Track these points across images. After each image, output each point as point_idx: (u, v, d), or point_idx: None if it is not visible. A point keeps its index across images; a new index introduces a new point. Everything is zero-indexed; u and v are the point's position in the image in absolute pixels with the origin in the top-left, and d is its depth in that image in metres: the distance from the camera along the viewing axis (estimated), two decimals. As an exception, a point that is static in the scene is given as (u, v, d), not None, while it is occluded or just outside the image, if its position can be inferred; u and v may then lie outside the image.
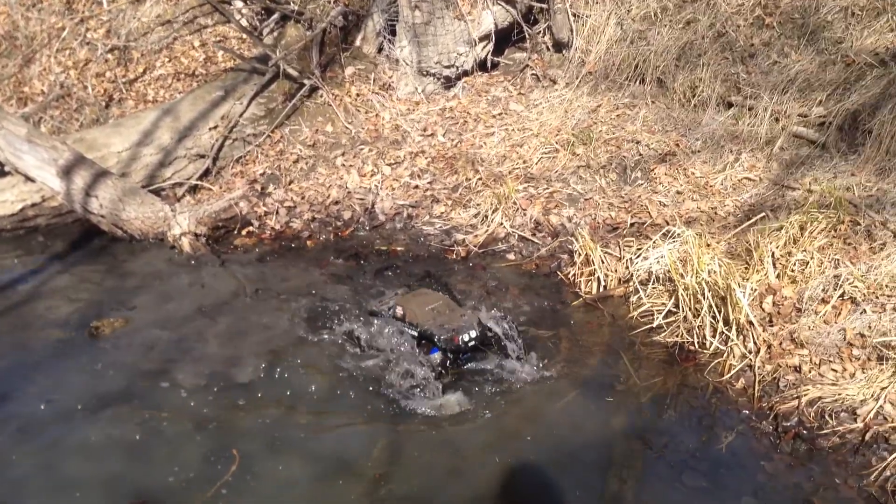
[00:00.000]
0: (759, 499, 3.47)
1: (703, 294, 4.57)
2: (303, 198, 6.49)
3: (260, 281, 5.43)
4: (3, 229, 5.98)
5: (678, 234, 4.99)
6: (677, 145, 6.33)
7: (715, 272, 4.55)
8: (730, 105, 6.45)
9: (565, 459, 3.69)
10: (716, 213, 5.62)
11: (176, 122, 6.71)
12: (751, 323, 4.42)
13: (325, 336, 4.66)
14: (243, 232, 6.13)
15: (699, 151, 6.24)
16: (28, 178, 5.86)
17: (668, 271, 4.86)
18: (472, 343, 4.12)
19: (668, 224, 5.43)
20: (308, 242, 6.06)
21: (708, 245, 4.95)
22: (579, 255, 5.29)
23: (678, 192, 5.92)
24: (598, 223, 5.81)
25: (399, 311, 4.31)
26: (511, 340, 4.27)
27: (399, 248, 5.93)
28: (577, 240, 5.33)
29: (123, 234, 5.88)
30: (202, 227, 5.79)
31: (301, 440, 3.83)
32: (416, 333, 4.23)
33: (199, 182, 6.63)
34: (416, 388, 4.06)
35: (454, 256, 5.78)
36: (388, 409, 3.98)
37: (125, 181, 6.01)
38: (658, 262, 5.02)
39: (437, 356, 4.19)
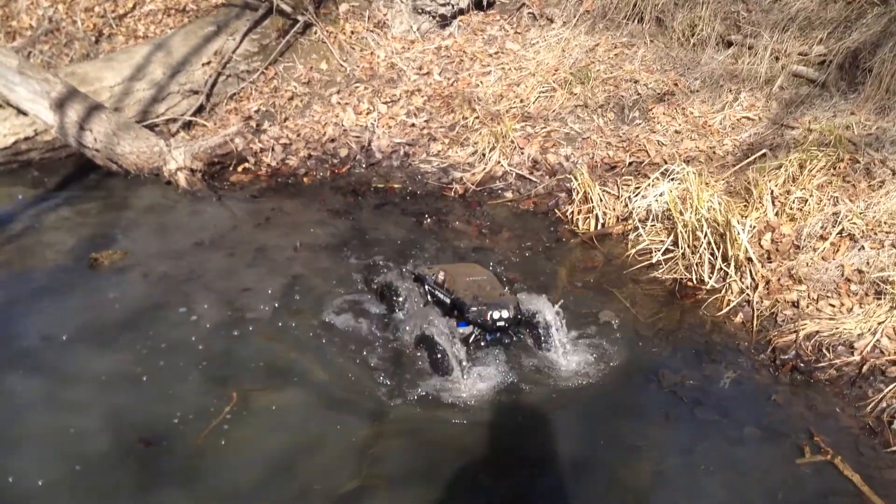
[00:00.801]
0: (761, 428, 3.54)
1: (702, 231, 4.59)
2: (298, 135, 6.43)
3: (258, 216, 5.40)
4: (-4, 164, 5.90)
5: (677, 172, 4.98)
6: (676, 85, 6.29)
7: (714, 209, 4.57)
8: (729, 44, 6.40)
9: (577, 402, 3.69)
10: (714, 153, 5.62)
11: (168, 58, 6.60)
12: (749, 259, 4.46)
13: (327, 274, 4.65)
14: (239, 168, 6.07)
15: (698, 91, 6.22)
16: (20, 111, 5.76)
17: (668, 209, 4.86)
18: (503, 323, 3.80)
19: (666, 163, 5.43)
20: (304, 179, 6.02)
21: (707, 184, 4.95)
22: (577, 192, 5.29)
23: (676, 132, 5.91)
24: (596, 162, 5.80)
25: (440, 276, 4.07)
26: (553, 333, 3.94)
27: (396, 186, 5.91)
28: (575, 178, 5.32)
29: (118, 169, 5.82)
30: (198, 163, 5.73)
31: (300, 377, 3.81)
32: (449, 301, 3.97)
33: (193, 118, 6.54)
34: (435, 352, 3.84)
35: (452, 194, 5.77)
36: (396, 360, 3.89)
37: (119, 115, 5.93)
38: (657, 199, 5.03)
39: (465, 329, 3.94)
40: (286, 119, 6.58)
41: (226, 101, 6.75)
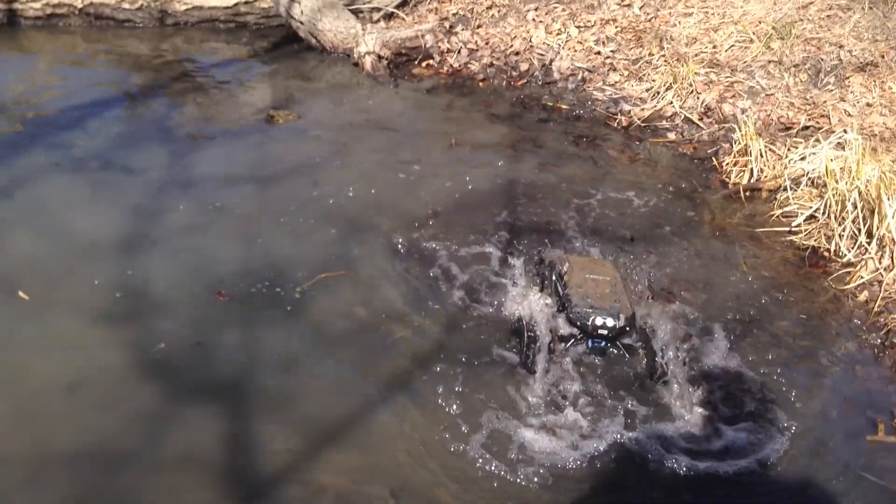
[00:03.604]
0: (844, 399, 3.49)
1: (854, 202, 4.40)
2: (486, 43, 6.67)
3: (427, 107, 5.78)
4: (218, 20, 6.64)
5: (847, 140, 4.76)
6: (883, 57, 5.89)
7: (870, 181, 4.36)
8: (955, 22, 5.89)
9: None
10: (901, 132, 5.28)
11: (384, -51, 7.01)
12: (894, 240, 4.25)
13: (471, 172, 4.91)
14: (423, 64, 6.43)
15: (905, 67, 5.80)
16: (244, -23, 6.42)
17: (823, 174, 4.69)
18: (605, 332, 3.37)
19: (845, 133, 5.17)
20: (480, 84, 6.29)
21: (878, 159, 4.70)
22: (738, 143, 5.19)
23: (868, 104, 5.57)
24: (772, 120, 5.61)
25: (564, 267, 3.67)
26: (668, 365, 3.46)
27: (564, 107, 6.03)
28: (739, 128, 5.21)
29: (316, 44, 6.35)
30: (386, 51, 6.14)
31: (410, 255, 4.09)
32: (560, 295, 3.59)
33: (395, 10, 6.96)
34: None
35: (615, 125, 5.82)
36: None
37: (327, -5, 6.45)
38: (812, 162, 4.84)
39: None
40: (479, 26, 6.83)
41: (429, 0, 7.09)
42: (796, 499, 2.99)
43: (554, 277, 3.72)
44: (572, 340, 3.48)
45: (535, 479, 2.89)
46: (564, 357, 3.43)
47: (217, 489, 2.77)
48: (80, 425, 2.97)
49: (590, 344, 3.45)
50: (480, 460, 2.95)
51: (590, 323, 3.36)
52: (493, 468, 2.92)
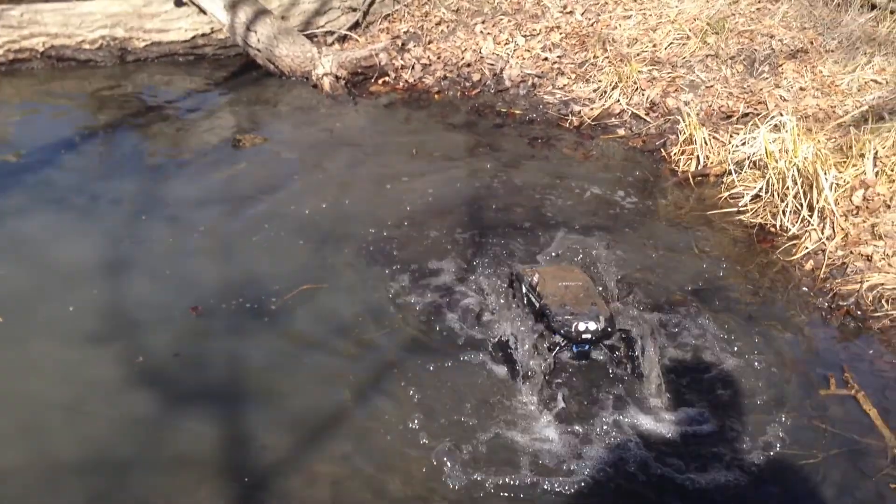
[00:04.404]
0: (796, 358, 3.73)
1: (794, 179, 4.70)
2: (438, 57, 6.94)
3: (386, 122, 6.01)
4: (177, 54, 6.83)
5: (782, 122, 5.08)
6: (812, 43, 6.26)
7: (807, 158, 4.66)
8: (873, 7, 6.28)
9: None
10: (833, 112, 5.61)
11: (334, -25, 7.27)
12: (833, 211, 4.55)
13: (436, 180, 5.13)
14: (379, 81, 6.68)
15: (833, 51, 6.17)
16: (201, 10, 6.62)
17: (764, 156, 4.99)
18: (589, 336, 3.43)
19: (782, 116, 5.49)
20: (436, 97, 6.55)
21: (812, 138, 5.02)
22: (683, 134, 5.49)
23: (801, 89, 5.92)
24: (714, 110, 5.93)
25: (535, 279, 3.73)
26: (645, 361, 3.51)
27: (517, 112, 6.31)
28: (683, 119, 5.52)
29: (275, 70, 6.56)
30: (343, 71, 6.37)
31: (385, 262, 4.27)
32: (538, 306, 3.64)
33: (348, 33, 7.22)
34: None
35: (567, 125, 6.10)
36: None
37: (281, 22, 6.67)
38: (753, 146, 5.15)
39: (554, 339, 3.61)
40: (430, 42, 7.10)
41: (380, 20, 7.37)
42: (759, 450, 3.22)
43: (525, 289, 3.78)
44: (556, 348, 3.53)
45: (521, 477, 3.01)
46: (551, 365, 3.51)
47: (218, 484, 2.93)
48: (80, 436, 3.11)
49: (574, 350, 3.52)
50: (457, 457, 3.08)
51: (573, 329, 3.41)
52: (471, 465, 3.06)
